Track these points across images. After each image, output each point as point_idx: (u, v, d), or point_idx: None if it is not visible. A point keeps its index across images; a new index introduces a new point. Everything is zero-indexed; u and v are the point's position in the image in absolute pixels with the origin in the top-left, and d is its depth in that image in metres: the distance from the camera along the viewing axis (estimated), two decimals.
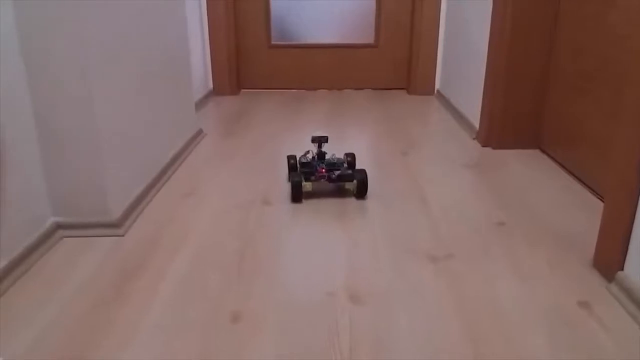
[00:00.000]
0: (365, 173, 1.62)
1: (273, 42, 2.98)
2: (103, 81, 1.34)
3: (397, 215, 1.51)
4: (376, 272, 1.23)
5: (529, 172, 1.82)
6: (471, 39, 2.29)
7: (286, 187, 1.70)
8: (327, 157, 1.67)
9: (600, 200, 1.56)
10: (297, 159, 1.71)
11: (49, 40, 1.21)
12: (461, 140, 2.16)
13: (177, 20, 1.93)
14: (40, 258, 1.28)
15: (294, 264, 1.27)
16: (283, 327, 1.04)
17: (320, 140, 1.70)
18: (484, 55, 2.07)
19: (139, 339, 1.01)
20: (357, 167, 1.71)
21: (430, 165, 1.90)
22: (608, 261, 1.17)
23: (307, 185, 1.60)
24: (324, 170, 1.61)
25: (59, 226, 1.37)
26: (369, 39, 2.98)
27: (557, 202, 1.58)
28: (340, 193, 1.66)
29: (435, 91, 2.94)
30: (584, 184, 1.69)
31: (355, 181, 1.60)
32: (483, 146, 2.07)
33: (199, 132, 2.19)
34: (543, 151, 2.00)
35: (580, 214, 1.50)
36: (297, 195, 1.59)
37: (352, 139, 2.14)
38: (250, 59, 3.01)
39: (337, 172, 1.60)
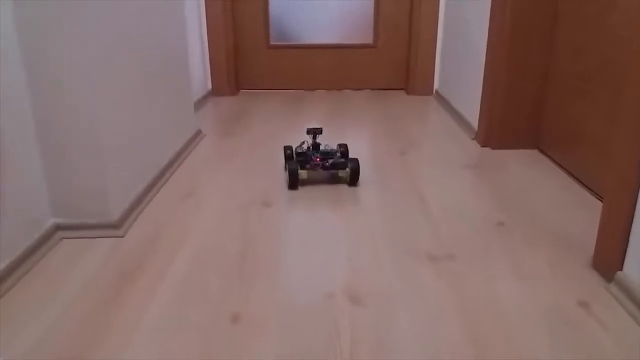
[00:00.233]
0: (357, 162, 1.71)
1: (272, 43, 2.98)
2: (103, 82, 1.34)
3: (396, 215, 1.51)
4: (376, 272, 1.23)
5: (528, 172, 1.83)
6: (470, 39, 2.29)
7: (285, 188, 1.70)
8: (321, 147, 1.77)
9: (599, 200, 1.57)
10: (293, 149, 1.81)
11: (49, 41, 1.21)
12: (460, 141, 2.16)
13: (176, 21, 1.93)
14: (40, 259, 1.28)
15: (293, 265, 1.27)
16: (283, 328, 1.04)
17: (315, 132, 1.79)
18: (482, 55, 2.07)
19: (139, 340, 1.01)
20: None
21: (429, 165, 1.90)
22: (607, 261, 1.17)
23: (302, 173, 1.69)
24: (318, 159, 1.71)
25: (58, 227, 1.37)
26: (368, 39, 2.98)
27: (557, 203, 1.59)
28: (334, 181, 1.75)
29: (434, 91, 2.94)
30: (583, 184, 1.69)
31: (348, 169, 1.70)
32: (482, 146, 2.07)
33: (198, 133, 2.19)
34: (542, 152, 2.00)
35: (580, 214, 1.51)
36: (293, 182, 1.68)
37: (350, 138, 2.14)
38: (249, 60, 3.01)
39: (330, 161, 1.71)
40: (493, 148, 2.05)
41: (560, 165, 1.85)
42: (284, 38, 2.99)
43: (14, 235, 1.21)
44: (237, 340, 1.00)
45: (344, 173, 1.72)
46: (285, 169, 1.76)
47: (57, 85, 1.25)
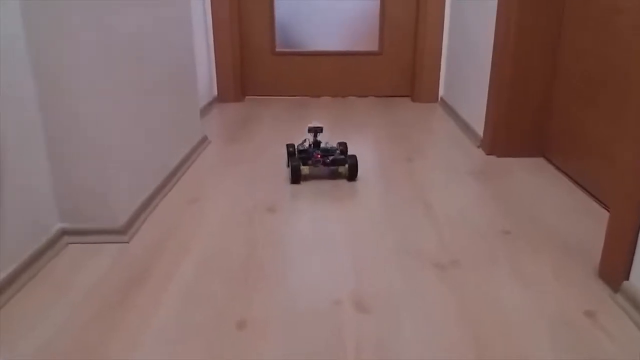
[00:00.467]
0: (356, 158, 1.81)
1: (277, 50, 2.99)
2: (110, 88, 1.35)
3: (402, 221, 1.51)
4: (381, 279, 1.23)
5: (534, 180, 1.82)
6: (475, 47, 2.30)
7: (290, 193, 1.71)
8: (321, 145, 1.87)
9: (605, 208, 1.56)
10: (295, 147, 1.91)
11: (57, 47, 1.22)
12: (465, 148, 2.16)
13: (183, 28, 1.94)
14: (46, 264, 1.28)
15: (298, 270, 1.27)
16: (288, 334, 1.04)
17: (315, 130, 1.88)
18: (488, 63, 2.07)
19: (145, 345, 1.01)
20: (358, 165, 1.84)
21: (435, 172, 1.90)
22: (613, 271, 1.17)
23: (304, 169, 1.79)
24: (319, 155, 1.81)
25: (64, 232, 1.37)
26: (373, 46, 2.99)
27: (562, 210, 1.58)
28: (334, 176, 1.85)
29: (439, 99, 2.95)
30: (589, 192, 1.69)
31: (347, 165, 1.80)
32: (487, 154, 2.07)
33: (204, 139, 2.20)
34: (547, 159, 2.00)
35: (585, 222, 1.50)
36: (296, 178, 1.78)
37: (356, 145, 2.14)
38: (255, 66, 3.02)
39: (331, 157, 1.81)
40: (498, 156, 2.05)
41: (565, 173, 1.85)
42: (290, 45, 3.01)
43: (21, 240, 1.22)
44: (242, 346, 1.01)
45: (343, 169, 1.82)
46: (288, 166, 1.87)
47: (64, 91, 1.26)
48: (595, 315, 1.09)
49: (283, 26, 2.97)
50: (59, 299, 1.15)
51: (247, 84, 3.04)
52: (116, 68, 1.38)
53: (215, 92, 2.94)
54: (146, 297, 1.16)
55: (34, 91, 1.24)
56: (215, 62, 2.88)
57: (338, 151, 1.86)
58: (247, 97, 3.07)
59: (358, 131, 2.42)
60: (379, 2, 2.91)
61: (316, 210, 1.60)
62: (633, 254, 1.10)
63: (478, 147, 2.16)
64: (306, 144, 1.89)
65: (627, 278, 1.12)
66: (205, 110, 2.63)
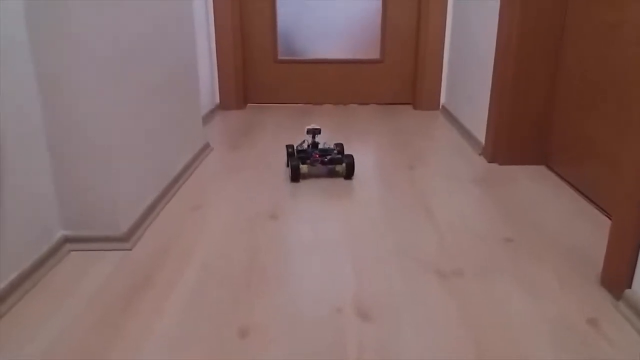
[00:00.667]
0: (352, 157, 1.90)
1: (280, 58, 3.01)
2: (113, 95, 1.35)
3: (404, 229, 1.51)
4: (384, 287, 1.23)
5: (536, 188, 1.83)
6: (477, 54, 2.30)
7: (292, 200, 1.71)
8: (319, 145, 1.98)
9: (607, 216, 1.56)
10: (295, 147, 2.01)
11: (61, 54, 1.23)
12: (467, 156, 2.17)
13: (185, 36, 1.95)
14: (48, 271, 1.29)
15: (301, 278, 1.27)
16: (291, 342, 1.04)
17: (314, 132, 1.99)
18: (489, 71, 2.08)
19: (148, 352, 1.01)
20: (355, 168, 1.92)
21: (437, 180, 1.90)
22: (616, 279, 1.17)
23: (303, 168, 1.88)
24: (317, 155, 1.91)
25: (67, 240, 1.38)
26: (375, 54, 3.00)
27: (564, 218, 1.58)
28: (331, 175, 1.94)
29: (441, 106, 2.95)
30: (591, 200, 1.69)
31: (344, 164, 1.89)
32: (489, 162, 2.07)
33: (206, 146, 2.20)
34: (549, 167, 2.00)
35: (587, 230, 1.50)
36: (295, 176, 1.87)
37: (358, 152, 2.15)
38: (257, 74, 3.03)
39: (328, 157, 1.91)
40: (500, 163, 2.05)
41: (567, 181, 1.85)
42: (292, 53, 3.02)
43: (23, 247, 1.22)
44: (244, 353, 1.00)
45: (340, 168, 1.91)
46: (288, 165, 1.96)
47: (67, 98, 1.27)
48: (597, 322, 1.09)
49: (285, 34, 2.98)
50: (61, 307, 1.15)
51: (249, 91, 3.06)
52: (119, 75, 1.39)
53: (218, 100, 2.95)
54: (148, 304, 1.16)
55: (38, 100, 1.25)
56: (218, 70, 2.89)
57: (335, 151, 1.96)
58: (249, 104, 3.08)
59: (360, 139, 2.43)
60: (380, 10, 2.92)
61: (317, 216, 1.60)
62: (635, 262, 1.10)
63: (480, 154, 2.16)
64: (305, 145, 1.99)
65: (630, 286, 1.12)
66: (207, 118, 2.64)
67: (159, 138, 1.68)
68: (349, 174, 1.90)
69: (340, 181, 1.89)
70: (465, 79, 2.50)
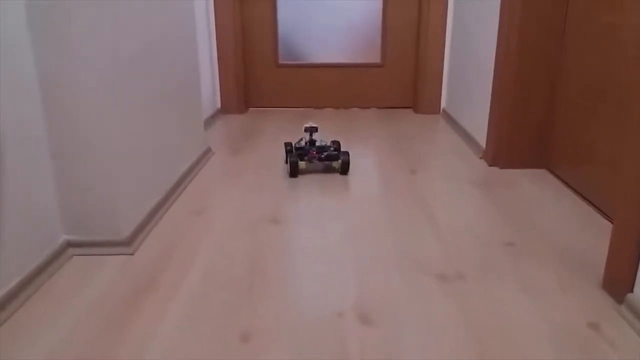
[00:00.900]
0: (348, 154, 1.99)
1: (281, 62, 3.02)
2: (115, 100, 1.36)
3: (406, 233, 1.51)
4: (385, 291, 1.23)
5: (537, 191, 1.83)
6: (477, 58, 2.31)
7: (293, 204, 1.71)
8: (316, 143, 2.05)
9: (609, 220, 1.56)
10: (293, 145, 2.07)
11: (64, 59, 1.23)
12: (468, 160, 2.17)
13: (187, 39, 1.96)
14: (51, 276, 1.29)
15: (303, 282, 1.27)
16: (292, 346, 1.04)
17: (311, 130, 2.06)
18: (490, 74, 2.08)
19: (150, 358, 1.01)
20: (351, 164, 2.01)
21: (438, 183, 1.91)
22: (618, 283, 1.17)
23: (301, 164, 1.97)
24: (315, 152, 1.99)
25: (69, 244, 1.38)
26: (376, 58, 3.01)
27: (566, 222, 1.58)
28: (328, 170, 2.03)
29: (441, 110, 2.96)
30: (592, 203, 1.69)
31: (340, 160, 1.98)
32: (490, 165, 2.08)
33: (208, 150, 2.21)
34: (550, 171, 2.00)
35: (588, 234, 1.50)
36: (294, 172, 1.96)
37: (359, 156, 2.16)
38: (258, 78, 3.04)
39: (325, 154, 1.99)
40: (501, 167, 2.06)
41: (568, 185, 1.85)
42: (293, 57, 3.03)
43: (26, 252, 1.23)
44: (246, 357, 1.01)
45: (337, 164, 2.01)
46: (286, 162, 2.05)
47: (69, 103, 1.27)
48: (599, 327, 1.09)
49: (286, 38, 2.99)
50: (64, 311, 1.16)
51: (250, 95, 3.06)
52: (121, 80, 1.39)
53: (219, 104, 2.96)
54: (151, 308, 1.17)
55: (40, 105, 1.26)
56: (219, 75, 2.90)
57: (332, 148, 2.03)
58: (250, 108, 3.08)
59: (361, 142, 2.43)
60: (380, 14, 2.93)
61: (319, 220, 1.61)
62: (637, 265, 1.10)
63: (481, 158, 2.17)
64: (302, 142, 2.06)
65: (632, 290, 1.12)
66: (209, 122, 2.65)
67: (161, 142, 1.69)
68: (344, 169, 1.99)
69: (341, 182, 1.93)
70: (466, 83, 2.51)
